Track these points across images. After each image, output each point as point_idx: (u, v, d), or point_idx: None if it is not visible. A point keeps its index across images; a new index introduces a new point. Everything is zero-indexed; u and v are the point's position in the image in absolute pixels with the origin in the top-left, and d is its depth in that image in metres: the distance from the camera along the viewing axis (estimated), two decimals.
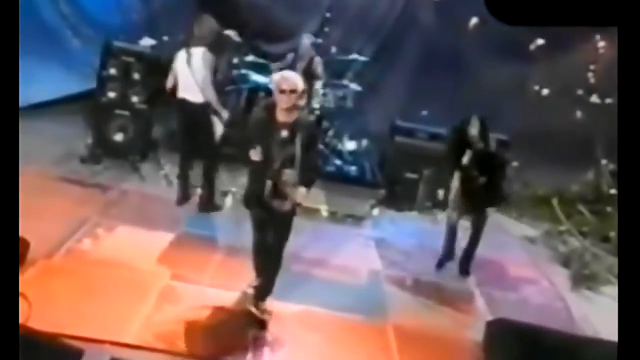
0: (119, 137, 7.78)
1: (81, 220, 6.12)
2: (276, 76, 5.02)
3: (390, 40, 9.93)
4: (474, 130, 6.46)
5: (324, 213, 7.44)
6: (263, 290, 5.16)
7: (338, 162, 8.35)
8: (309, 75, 8.34)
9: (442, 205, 7.25)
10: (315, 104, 8.11)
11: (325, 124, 8.37)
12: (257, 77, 8.46)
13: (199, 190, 7.13)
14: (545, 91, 9.27)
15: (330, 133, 8.53)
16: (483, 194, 6.45)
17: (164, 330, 4.68)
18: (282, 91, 4.76)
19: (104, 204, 6.68)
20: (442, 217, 7.35)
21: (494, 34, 9.07)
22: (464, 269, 6.63)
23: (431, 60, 9.49)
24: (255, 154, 4.73)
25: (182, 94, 6.63)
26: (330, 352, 4.90)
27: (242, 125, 8.19)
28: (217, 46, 6.84)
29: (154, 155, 7.93)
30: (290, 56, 8.65)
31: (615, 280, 6.97)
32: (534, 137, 8.87)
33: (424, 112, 8.97)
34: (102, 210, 6.49)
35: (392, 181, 8.15)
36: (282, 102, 4.76)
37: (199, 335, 4.74)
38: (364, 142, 8.95)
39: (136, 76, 7.76)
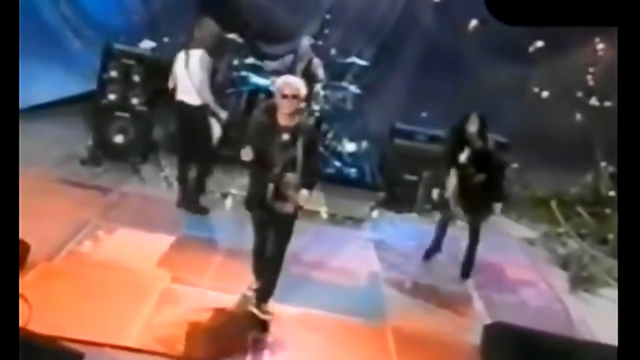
0: (119, 139, 7.81)
1: (81, 223, 6.14)
2: (279, 81, 5.05)
3: (390, 42, 9.98)
4: (472, 128, 6.50)
5: (324, 215, 7.47)
6: (265, 292, 5.18)
7: (338, 164, 8.40)
8: (308, 77, 8.38)
9: (441, 207, 7.25)
10: (315, 106, 8.13)
11: (324, 126, 8.40)
12: (257, 80, 8.51)
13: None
14: (545, 93, 9.31)
15: (330, 135, 8.56)
16: (480, 193, 6.48)
17: (164, 333, 4.69)
18: (285, 96, 4.81)
19: (104, 207, 6.71)
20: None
21: (493, 36, 9.13)
22: (465, 272, 6.65)
23: (431, 62, 9.55)
24: (245, 154, 4.74)
25: (180, 96, 6.66)
26: (329, 354, 4.92)
27: (242, 127, 8.27)
28: (217, 48, 6.86)
29: (155, 157, 7.96)
30: (289, 57, 8.69)
31: (613, 283, 7.00)
32: (534, 138, 8.91)
33: (424, 114, 9.00)
34: (102, 213, 6.52)
35: (392, 183, 8.17)
36: (285, 107, 4.82)
37: (199, 338, 4.75)
38: (364, 144, 8.98)
39: (136, 78, 7.79)
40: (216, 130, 6.71)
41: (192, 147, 6.85)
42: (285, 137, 4.82)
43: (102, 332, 4.48)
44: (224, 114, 6.73)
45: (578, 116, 9.09)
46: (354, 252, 6.84)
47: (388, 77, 9.88)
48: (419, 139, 8.22)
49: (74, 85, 8.75)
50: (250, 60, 8.74)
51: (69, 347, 4.05)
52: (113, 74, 7.78)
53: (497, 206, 6.64)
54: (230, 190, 7.53)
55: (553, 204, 8.48)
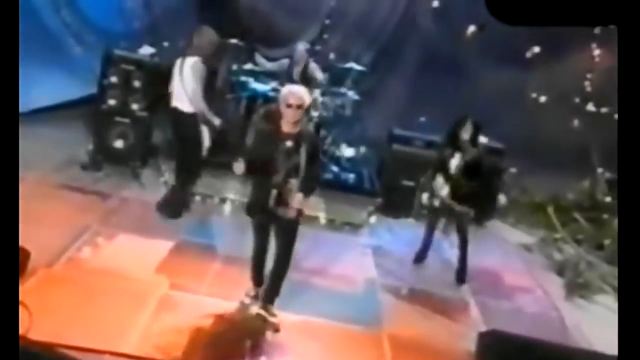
0: (119, 143, 7.86)
1: (81, 229, 6.19)
2: (284, 90, 5.20)
3: (389, 46, 10.07)
4: (465, 135, 6.59)
5: (322, 221, 7.51)
6: (271, 293, 5.29)
7: (335, 169, 8.43)
8: (306, 81, 8.46)
9: (429, 211, 7.29)
10: (314, 113, 8.18)
11: (323, 131, 8.44)
12: (255, 85, 8.55)
13: (197, 198, 7.30)
14: (542, 99, 9.34)
15: (328, 140, 8.59)
16: (470, 200, 6.56)
17: (162, 340, 4.73)
18: (289, 105, 4.97)
19: (104, 212, 6.76)
20: (440, 226, 7.40)
21: (491, 42, 9.21)
22: (460, 278, 6.72)
23: (430, 67, 9.61)
24: (238, 168, 4.86)
25: (174, 102, 6.70)
26: None
27: (241, 132, 8.34)
28: (215, 56, 6.91)
29: (154, 162, 8.00)
30: (285, 61, 8.77)
31: (609, 289, 7.06)
32: (532, 144, 8.99)
33: (422, 119, 9.05)
34: (102, 219, 6.56)
35: (390, 189, 8.20)
36: (289, 115, 4.99)
37: (197, 345, 4.79)
38: (362, 149, 9.02)
39: (136, 84, 7.84)
40: (206, 140, 6.68)
41: (183, 153, 6.89)
42: (289, 144, 4.97)
43: (101, 339, 4.52)
44: (217, 121, 6.72)
45: (575, 122, 9.13)
46: (351, 258, 6.87)
47: (387, 82, 9.96)
48: (417, 144, 8.25)
49: (74, 89, 8.80)
50: (249, 66, 8.78)
51: (68, 355, 4.09)
52: (113, 79, 7.82)
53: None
54: (228, 196, 7.58)
55: (550, 209, 8.52)
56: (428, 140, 8.30)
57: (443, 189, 6.66)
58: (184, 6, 9.63)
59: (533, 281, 7.18)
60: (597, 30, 9.00)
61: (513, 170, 8.91)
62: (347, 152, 8.77)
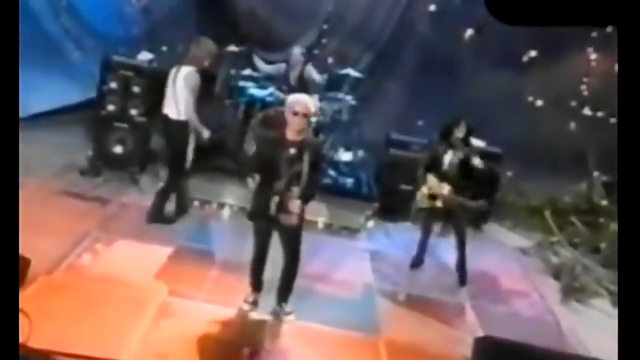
0: (118, 149, 7.91)
1: (81, 235, 6.23)
2: (291, 98, 5.31)
3: (386, 51, 10.09)
4: (459, 134, 6.65)
5: (320, 225, 7.56)
6: (284, 292, 5.47)
7: (333, 173, 8.47)
8: (302, 84, 8.54)
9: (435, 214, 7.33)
10: (312, 118, 8.22)
11: (321, 136, 8.49)
12: (254, 91, 8.60)
13: (196, 203, 7.39)
14: (539, 102, 9.37)
15: (326, 145, 8.64)
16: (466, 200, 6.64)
17: (161, 348, 4.79)
18: (296, 113, 5.09)
19: (103, 218, 6.80)
20: (436, 228, 7.44)
21: (488, 45, 9.26)
22: (461, 280, 6.76)
23: (427, 71, 9.64)
24: (251, 183, 5.03)
25: (165, 109, 6.73)
26: None
27: (240, 137, 8.40)
28: (213, 65, 6.94)
29: (153, 167, 8.04)
30: (282, 65, 8.84)
31: (604, 293, 7.12)
32: (528, 147, 9.02)
33: (420, 122, 9.08)
34: (101, 225, 6.61)
35: (387, 193, 8.24)
36: (295, 124, 5.10)
37: (196, 352, 4.85)
38: (360, 153, 9.06)
39: (135, 89, 7.89)
40: (190, 152, 6.68)
41: (170, 159, 6.92)
42: (292, 151, 5.10)
43: (100, 346, 4.55)
44: (206, 133, 6.72)
45: (572, 125, 9.17)
46: (349, 263, 6.91)
47: (385, 85, 9.99)
48: (414, 149, 8.29)
49: (73, 94, 8.83)
50: (247, 71, 8.83)
51: None
52: (112, 85, 7.86)
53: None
54: (227, 201, 7.63)
55: (547, 213, 8.57)
56: (425, 144, 8.33)
57: (443, 188, 6.71)
58: (182, 11, 9.66)
59: (529, 285, 7.21)
60: (593, 34, 9.06)
61: (510, 173, 8.97)
62: (345, 156, 8.83)
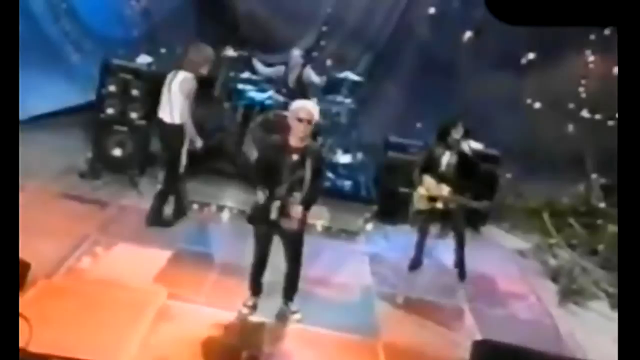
0: (117, 152, 7.92)
1: (80, 238, 6.25)
2: (295, 105, 5.34)
3: (385, 53, 10.12)
4: (456, 134, 6.72)
5: (319, 228, 7.57)
6: (289, 292, 5.57)
7: (332, 176, 8.49)
8: (301, 86, 8.57)
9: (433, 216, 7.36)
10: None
11: (319, 139, 8.50)
12: (253, 94, 8.63)
13: (195, 206, 7.41)
14: (537, 104, 9.40)
15: (325, 148, 8.66)
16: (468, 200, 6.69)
17: (160, 351, 4.81)
18: (300, 120, 5.12)
19: (102, 221, 6.82)
20: (434, 230, 7.48)
21: (487, 48, 9.30)
22: (461, 275, 6.91)
23: (426, 74, 9.67)
24: (261, 196, 5.06)
25: (160, 113, 6.75)
26: None
27: (238, 140, 8.43)
28: (211, 70, 6.95)
29: (152, 170, 8.05)
30: (282, 68, 8.87)
31: (602, 295, 7.15)
32: (527, 149, 9.06)
33: (419, 125, 9.11)
34: (101, 227, 6.63)
35: (386, 196, 8.26)
36: (299, 130, 5.13)
37: (195, 356, 4.87)
38: (359, 156, 9.08)
39: (135, 93, 7.90)
40: (184, 157, 6.69)
41: (165, 163, 6.94)
42: (295, 157, 5.14)
43: (99, 350, 4.57)
44: (199, 143, 6.74)
45: (570, 128, 9.20)
46: (348, 266, 6.93)
47: (383, 88, 10.02)
48: (412, 151, 8.31)
49: (73, 96, 8.85)
50: (246, 74, 8.86)
51: None
52: (112, 88, 7.88)
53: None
54: (226, 203, 7.66)
55: (545, 215, 8.59)
56: (424, 146, 8.36)
57: (442, 189, 6.76)
58: (182, 14, 9.69)
59: (527, 287, 7.22)
60: (591, 36, 9.09)
61: (508, 175, 8.99)
62: (344, 159, 8.85)
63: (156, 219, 6.88)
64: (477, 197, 7.08)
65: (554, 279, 7.48)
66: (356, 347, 5.44)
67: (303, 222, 5.28)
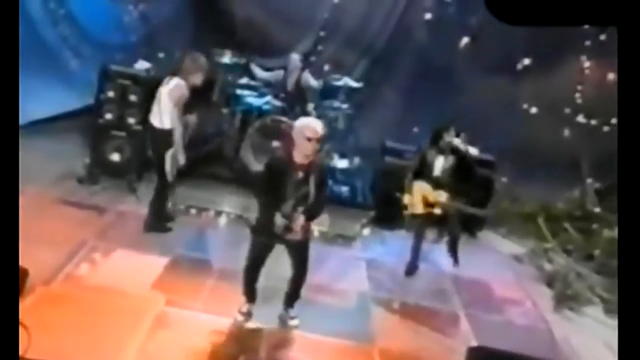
0: (115, 157, 7.97)
1: (78, 244, 6.26)
2: (302, 123, 5.29)
3: (382, 58, 10.16)
4: (448, 138, 6.78)
5: (315, 233, 7.58)
6: (291, 298, 5.60)
7: (329, 181, 8.50)
8: (299, 90, 8.61)
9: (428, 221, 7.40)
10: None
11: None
12: (251, 99, 8.67)
13: (193, 211, 7.48)
14: (533, 109, 9.45)
15: (322, 154, 8.68)
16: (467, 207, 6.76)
17: (158, 358, 4.86)
18: (309, 139, 5.09)
19: (100, 227, 6.83)
20: (430, 235, 7.53)
21: (484, 53, 9.35)
22: (455, 260, 7.09)
23: (423, 79, 9.73)
24: (279, 220, 5.11)
25: (150, 118, 6.78)
26: None
27: (236, 145, 8.47)
28: (206, 81, 6.97)
29: (149, 176, 8.07)
30: (281, 72, 8.91)
31: (597, 300, 7.18)
32: (523, 154, 9.10)
33: (416, 129, 9.15)
34: (99, 233, 6.64)
35: (382, 201, 8.28)
36: (307, 149, 5.11)
37: None
38: (356, 161, 9.11)
39: (133, 98, 7.94)
40: (168, 164, 6.69)
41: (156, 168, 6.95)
42: (300, 174, 5.15)
43: (98, 357, 4.62)
44: (182, 160, 6.73)
45: (566, 133, 9.25)
46: (345, 271, 6.96)
47: (380, 93, 10.06)
48: (408, 157, 8.33)
49: (71, 101, 8.89)
50: (244, 79, 8.90)
51: None
52: (110, 94, 7.92)
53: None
54: (224, 209, 7.69)
55: (540, 219, 8.63)
56: (417, 151, 8.38)
57: (440, 195, 6.80)
58: (180, 19, 9.74)
59: (523, 293, 7.24)
60: (587, 42, 9.15)
61: (504, 179, 9.04)
62: (341, 164, 8.88)
63: (153, 224, 6.89)
64: (474, 201, 7.15)
65: (549, 284, 7.50)
66: (352, 353, 5.48)
67: (307, 230, 5.33)
